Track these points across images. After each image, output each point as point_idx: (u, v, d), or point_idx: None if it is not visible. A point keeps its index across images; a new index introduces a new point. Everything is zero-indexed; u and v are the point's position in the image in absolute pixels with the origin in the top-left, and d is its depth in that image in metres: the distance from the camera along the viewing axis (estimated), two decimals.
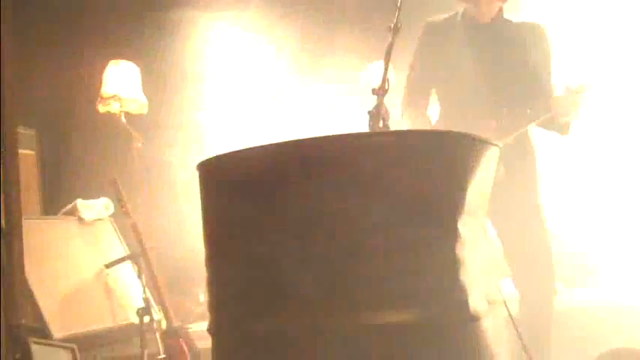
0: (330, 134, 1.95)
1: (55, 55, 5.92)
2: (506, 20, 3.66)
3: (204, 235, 2.20)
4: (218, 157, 2.11)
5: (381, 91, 2.97)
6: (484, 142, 2.03)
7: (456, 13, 3.72)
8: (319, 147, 1.97)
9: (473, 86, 3.59)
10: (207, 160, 2.15)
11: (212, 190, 2.18)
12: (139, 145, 5.62)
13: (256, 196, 2.01)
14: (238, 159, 2.05)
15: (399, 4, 3.18)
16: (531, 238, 3.57)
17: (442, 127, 3.62)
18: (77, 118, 6.13)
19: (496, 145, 2.10)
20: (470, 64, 3.55)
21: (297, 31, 6.36)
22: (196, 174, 2.24)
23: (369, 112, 2.92)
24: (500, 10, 3.63)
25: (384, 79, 3.00)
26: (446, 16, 3.71)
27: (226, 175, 2.10)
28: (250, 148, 2.02)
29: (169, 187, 5.87)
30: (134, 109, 5.75)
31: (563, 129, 3.69)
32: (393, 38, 3.13)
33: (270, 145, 1.99)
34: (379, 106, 2.92)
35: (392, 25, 3.17)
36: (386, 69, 3.02)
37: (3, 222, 3.39)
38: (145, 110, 5.82)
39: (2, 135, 3.32)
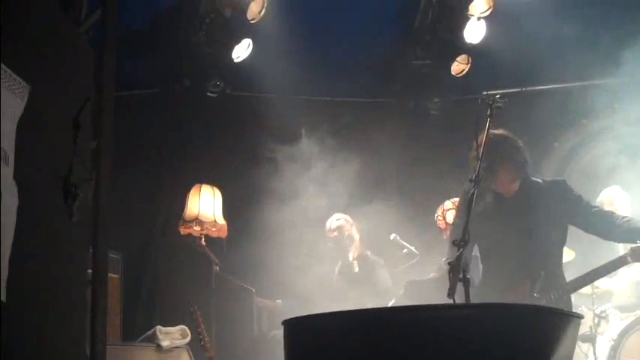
0: (419, 304, 2.03)
1: (136, 177, 6.13)
2: (533, 183, 3.82)
3: None
4: (306, 318, 2.18)
5: (462, 243, 3.02)
6: (570, 316, 2.05)
7: None
8: (404, 316, 2.04)
9: (505, 250, 3.75)
10: (294, 319, 2.23)
11: (297, 346, 2.25)
12: (217, 268, 5.71)
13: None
14: (325, 322, 2.12)
15: (480, 156, 3.27)
16: None
17: (485, 286, 3.82)
18: (159, 242, 6.32)
19: (580, 316, 2.12)
20: (499, 231, 3.74)
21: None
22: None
23: (450, 263, 2.96)
24: (523, 181, 3.80)
25: (465, 231, 3.05)
26: None
27: (311, 337, 2.16)
28: (337, 313, 2.10)
29: (249, 312, 5.94)
30: (214, 233, 5.92)
31: None
32: (474, 190, 3.20)
33: (356, 311, 2.07)
34: (459, 258, 2.96)
35: (473, 177, 3.26)
36: (467, 220, 3.08)
37: (88, 349, 3.47)
38: (224, 234, 5.97)
39: (95, 260, 3.43)
